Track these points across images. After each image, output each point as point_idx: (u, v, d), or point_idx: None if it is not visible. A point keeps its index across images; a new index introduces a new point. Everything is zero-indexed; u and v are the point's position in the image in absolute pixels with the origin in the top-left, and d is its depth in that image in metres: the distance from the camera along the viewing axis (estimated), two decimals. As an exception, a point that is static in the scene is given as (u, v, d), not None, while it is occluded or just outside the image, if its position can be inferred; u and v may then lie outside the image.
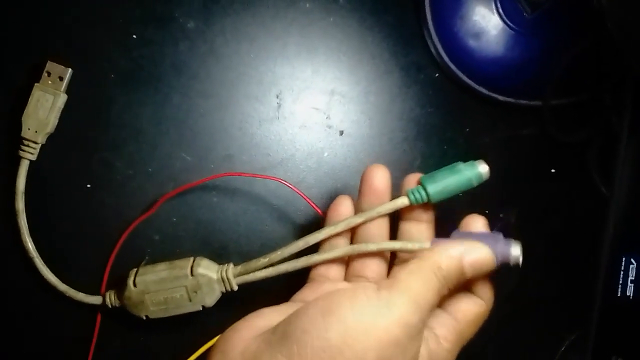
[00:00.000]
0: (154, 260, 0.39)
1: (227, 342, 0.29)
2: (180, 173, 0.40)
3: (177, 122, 0.40)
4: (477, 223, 0.33)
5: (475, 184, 0.34)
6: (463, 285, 0.32)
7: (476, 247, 0.31)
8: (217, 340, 0.30)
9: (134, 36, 0.40)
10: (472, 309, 0.32)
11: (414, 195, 0.34)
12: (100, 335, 0.39)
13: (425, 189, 0.34)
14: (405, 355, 0.28)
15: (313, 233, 0.36)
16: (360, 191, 0.36)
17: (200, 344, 0.37)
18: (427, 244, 0.33)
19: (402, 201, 0.34)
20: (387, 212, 0.35)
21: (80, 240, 0.40)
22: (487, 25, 0.40)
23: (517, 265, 0.32)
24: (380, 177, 0.35)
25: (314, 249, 0.36)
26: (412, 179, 0.35)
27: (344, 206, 0.36)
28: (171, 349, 0.40)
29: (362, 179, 0.35)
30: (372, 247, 0.35)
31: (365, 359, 0.26)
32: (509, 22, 0.40)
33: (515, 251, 0.32)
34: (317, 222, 0.41)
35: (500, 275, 0.33)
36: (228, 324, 0.31)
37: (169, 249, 0.40)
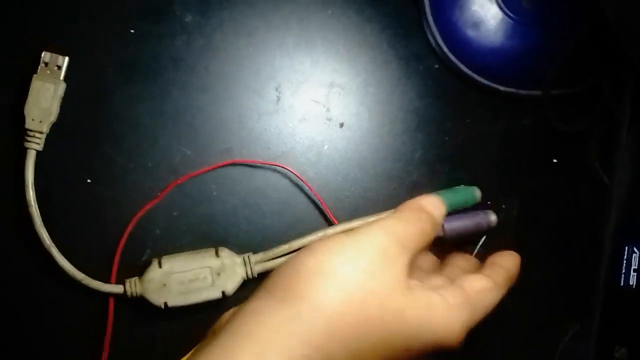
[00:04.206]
0: (155, 254, 0.39)
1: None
2: (180, 167, 0.40)
3: (176, 116, 0.40)
4: None
5: (470, 203, 0.38)
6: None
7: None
8: None
9: (132, 30, 0.40)
10: (479, 281, 0.32)
11: None
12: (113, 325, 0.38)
13: None
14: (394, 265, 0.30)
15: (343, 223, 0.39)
16: None
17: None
18: None
19: None
20: None
21: (82, 232, 0.39)
22: (486, 14, 0.40)
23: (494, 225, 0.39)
24: None
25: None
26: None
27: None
28: (185, 340, 0.40)
29: None
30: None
31: (364, 257, 0.29)
32: (508, 11, 0.40)
33: (492, 217, 0.39)
34: (319, 214, 0.41)
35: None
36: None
37: (170, 243, 0.40)
